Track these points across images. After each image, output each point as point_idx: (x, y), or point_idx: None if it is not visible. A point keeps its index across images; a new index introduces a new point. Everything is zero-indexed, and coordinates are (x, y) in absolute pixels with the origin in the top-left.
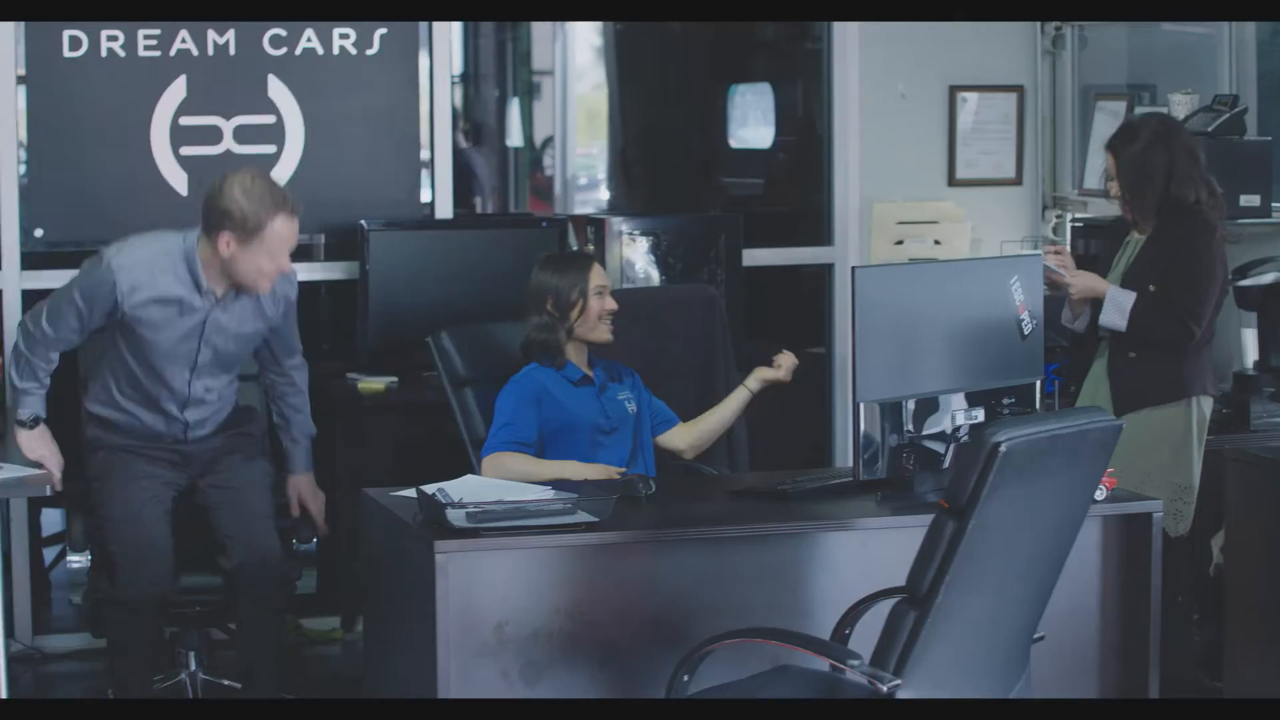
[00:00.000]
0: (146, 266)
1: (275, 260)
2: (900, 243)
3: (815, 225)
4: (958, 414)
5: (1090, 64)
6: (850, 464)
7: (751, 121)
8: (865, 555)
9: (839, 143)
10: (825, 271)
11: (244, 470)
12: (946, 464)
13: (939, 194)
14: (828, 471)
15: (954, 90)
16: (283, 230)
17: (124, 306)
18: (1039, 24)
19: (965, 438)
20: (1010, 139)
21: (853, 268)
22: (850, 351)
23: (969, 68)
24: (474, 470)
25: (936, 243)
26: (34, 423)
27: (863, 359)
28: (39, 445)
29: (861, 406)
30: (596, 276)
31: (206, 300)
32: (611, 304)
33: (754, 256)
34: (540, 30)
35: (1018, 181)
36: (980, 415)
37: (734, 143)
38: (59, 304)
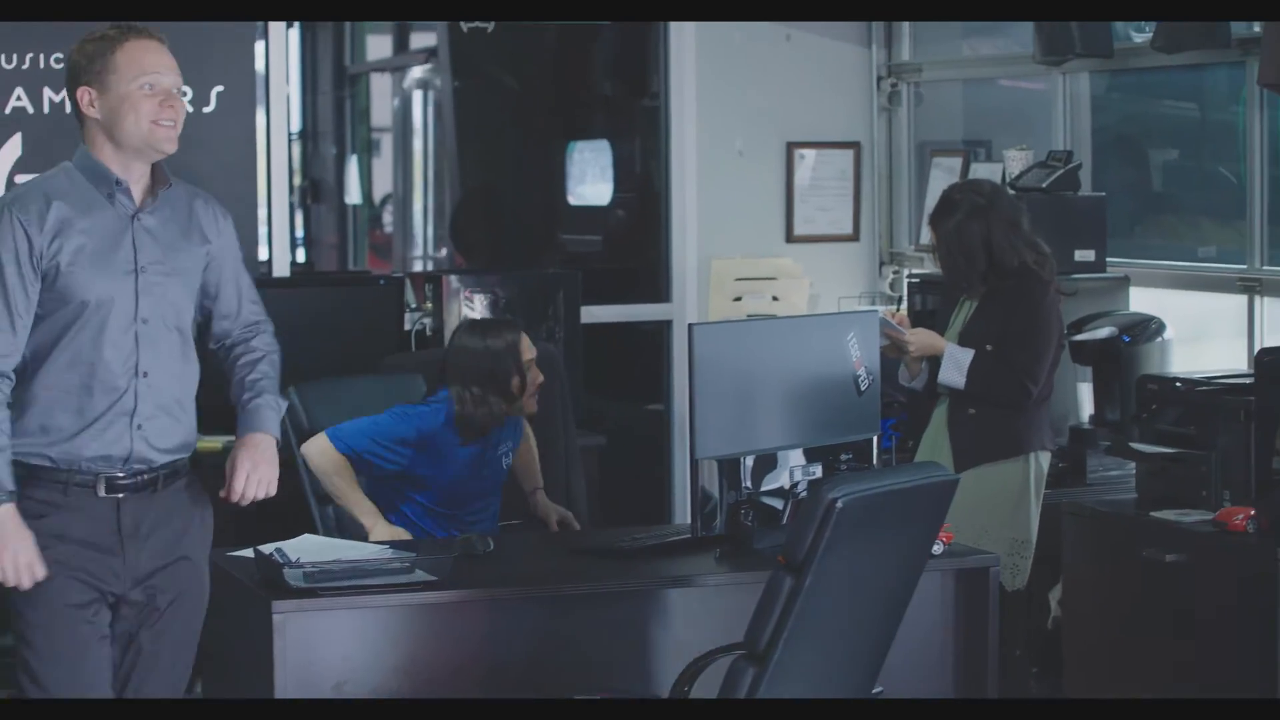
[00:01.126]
0: (40, 185)
1: (152, 95)
2: (739, 299)
3: (653, 282)
4: (796, 470)
5: (926, 120)
6: (689, 520)
7: (590, 178)
8: (704, 612)
9: (677, 199)
10: (664, 328)
11: (184, 607)
12: (785, 520)
13: (777, 250)
14: (666, 528)
15: (791, 147)
16: (138, 53)
17: (41, 242)
18: (875, 80)
19: (803, 494)
20: (847, 195)
21: (690, 324)
22: (688, 408)
23: (806, 124)
24: (315, 529)
25: (774, 299)
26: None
27: (700, 415)
28: (12, 538)
29: (700, 463)
30: (527, 349)
31: (122, 199)
32: (539, 376)
33: (592, 313)
34: (379, 86)
35: (855, 238)
36: (818, 471)
37: (573, 200)
38: None
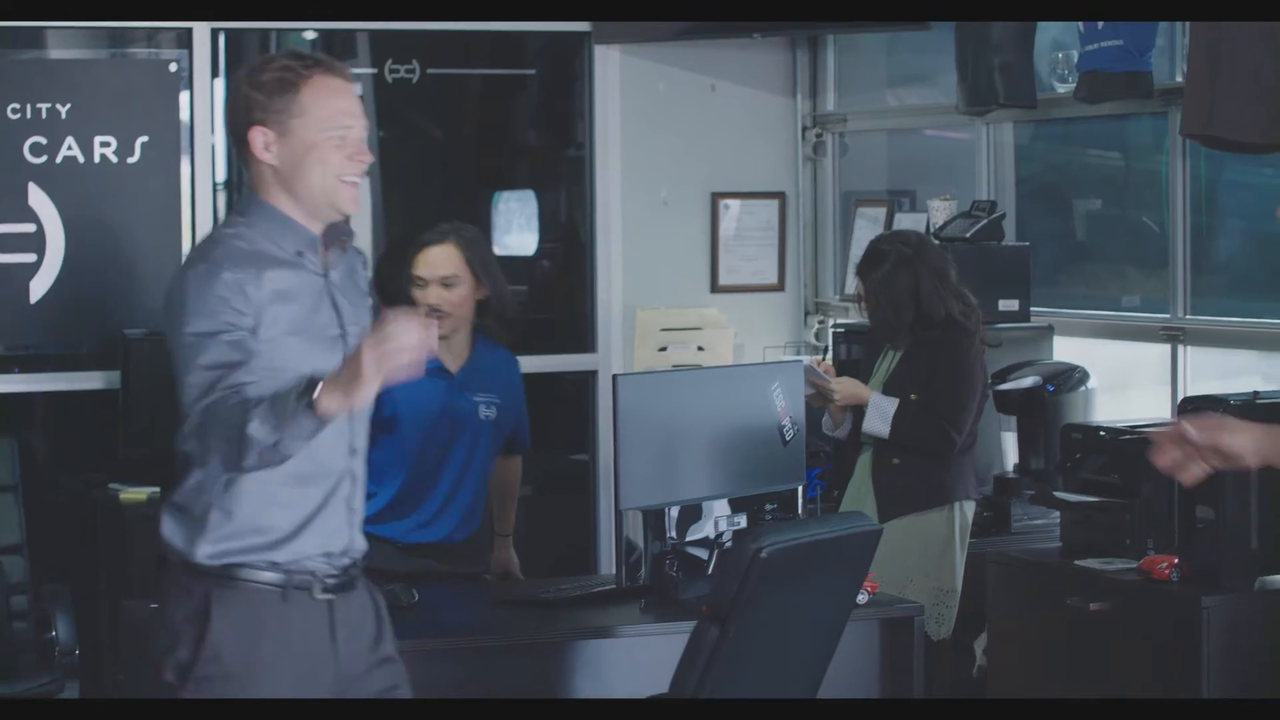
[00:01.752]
0: (235, 242)
1: (342, 147)
2: (664, 349)
3: (578, 332)
4: (721, 520)
5: (851, 170)
6: (614, 571)
7: (515, 228)
8: (629, 662)
9: (602, 249)
10: (589, 378)
11: None
12: (710, 570)
13: (702, 300)
14: (591, 579)
15: (716, 197)
16: (327, 94)
17: (254, 310)
18: (800, 131)
19: (728, 544)
20: (772, 245)
21: (614, 375)
22: (613, 458)
23: (731, 174)
24: None
25: (700, 349)
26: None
27: (625, 466)
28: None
29: (624, 513)
30: (421, 265)
31: (311, 257)
32: (433, 298)
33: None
34: None
35: (780, 287)
36: (743, 521)
37: (498, 250)
38: (192, 361)
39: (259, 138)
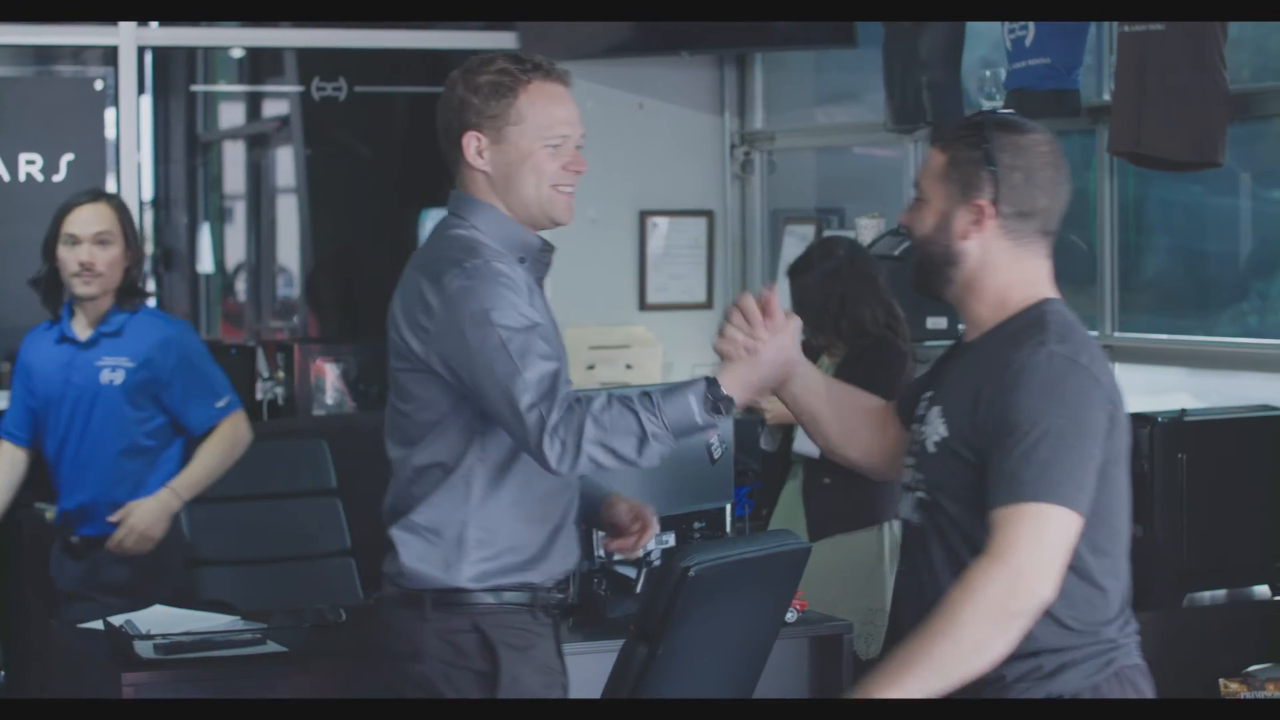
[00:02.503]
0: (486, 248)
1: (558, 155)
2: (592, 367)
3: None
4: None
5: (779, 188)
6: None
7: None
8: None
9: None
10: None
11: None
12: (638, 588)
13: (630, 318)
14: None
15: (644, 215)
16: (547, 102)
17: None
18: (728, 148)
19: (656, 562)
20: (701, 263)
21: None
22: None
23: (659, 192)
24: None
25: (628, 367)
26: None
27: None
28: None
29: None
30: (74, 222)
31: (529, 259)
32: (85, 255)
33: None
34: (231, 154)
35: (708, 305)
36: (671, 539)
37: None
38: (506, 345)
39: (472, 143)
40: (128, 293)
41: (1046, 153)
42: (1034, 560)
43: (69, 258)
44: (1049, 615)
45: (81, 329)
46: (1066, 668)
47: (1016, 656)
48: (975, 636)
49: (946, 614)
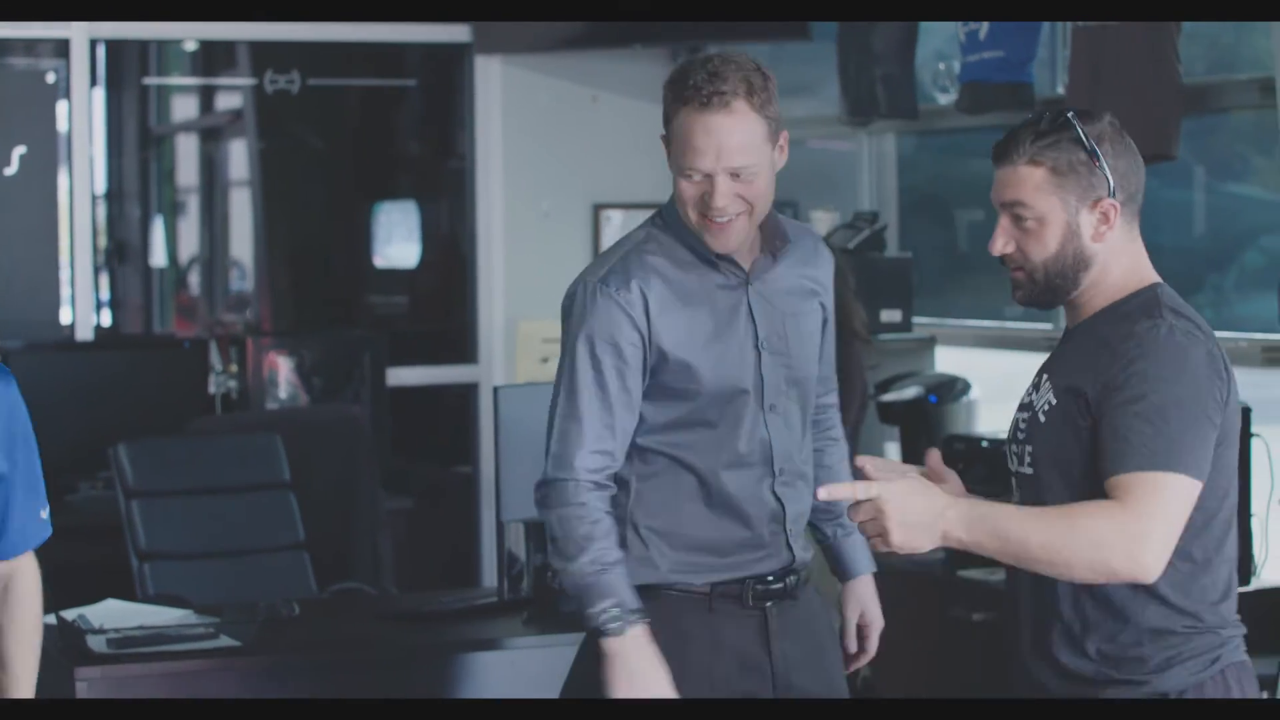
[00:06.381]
0: (633, 254)
1: (694, 185)
2: (546, 361)
3: (460, 344)
4: None
5: None
6: (496, 584)
7: (396, 239)
8: (513, 675)
9: (484, 261)
10: (470, 390)
11: None
12: None
13: None
14: (473, 591)
15: (598, 208)
16: (689, 125)
17: (652, 329)
18: None
19: None
20: None
21: (495, 387)
22: (494, 470)
23: (613, 186)
24: (127, 593)
25: None
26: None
27: (506, 478)
28: (640, 659)
29: (506, 525)
30: None
31: (728, 268)
32: None
33: (399, 375)
34: (184, 147)
35: None
36: None
37: (379, 261)
38: (572, 395)
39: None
40: None
41: (1120, 130)
42: (1161, 532)
43: None
44: (1154, 594)
45: None
46: (1173, 663)
47: (1122, 653)
48: (1071, 554)
49: (1069, 519)
